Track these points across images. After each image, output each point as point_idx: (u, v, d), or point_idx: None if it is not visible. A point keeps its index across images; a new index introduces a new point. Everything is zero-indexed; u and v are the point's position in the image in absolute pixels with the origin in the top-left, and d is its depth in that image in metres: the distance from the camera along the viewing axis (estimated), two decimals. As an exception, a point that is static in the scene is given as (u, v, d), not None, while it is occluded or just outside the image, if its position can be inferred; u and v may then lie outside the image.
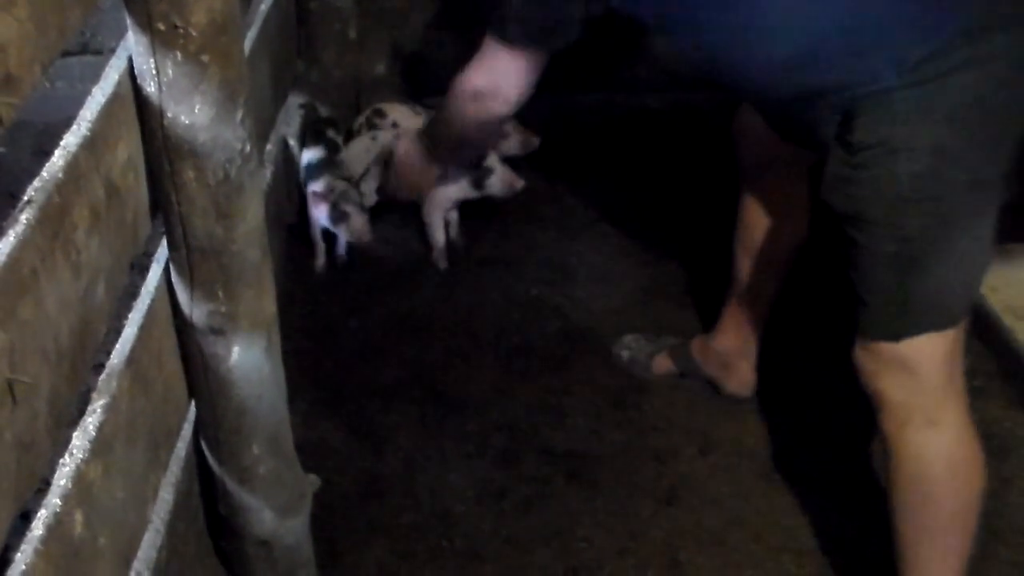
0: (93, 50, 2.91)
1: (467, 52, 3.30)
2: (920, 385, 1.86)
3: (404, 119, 3.11)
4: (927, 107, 1.68)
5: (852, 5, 1.69)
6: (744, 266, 2.46)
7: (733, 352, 2.57)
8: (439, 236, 3.03)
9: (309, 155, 2.91)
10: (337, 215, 2.79)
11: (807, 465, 2.45)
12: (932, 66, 1.66)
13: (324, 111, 3.13)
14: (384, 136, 2.98)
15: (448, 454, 2.50)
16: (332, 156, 2.91)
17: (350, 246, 2.97)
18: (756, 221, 2.40)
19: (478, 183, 2.94)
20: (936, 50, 1.65)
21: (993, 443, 2.39)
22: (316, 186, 2.84)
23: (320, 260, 3.00)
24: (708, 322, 2.67)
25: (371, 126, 3.11)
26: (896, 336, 1.83)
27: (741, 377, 2.59)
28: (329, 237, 2.97)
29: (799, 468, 2.45)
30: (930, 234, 1.76)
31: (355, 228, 2.79)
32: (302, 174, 2.94)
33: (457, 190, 2.97)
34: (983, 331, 2.68)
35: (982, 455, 1.92)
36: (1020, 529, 2.30)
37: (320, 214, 2.83)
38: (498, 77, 2.19)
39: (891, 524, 1.96)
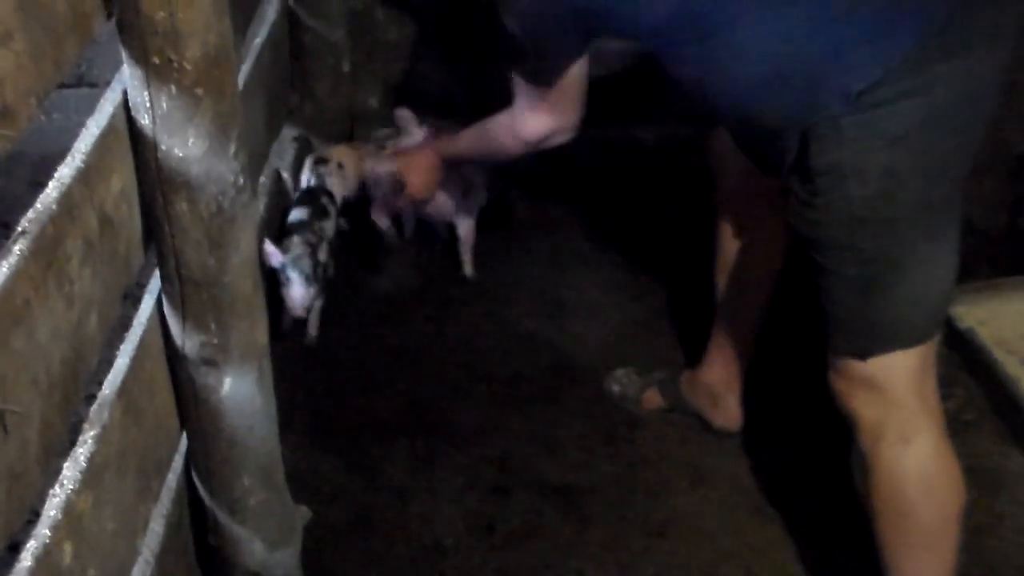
0: (89, 82, 2.91)
1: (457, 84, 3.37)
2: (891, 403, 1.89)
3: (347, 159, 3.08)
4: (873, 132, 1.73)
5: (807, 32, 1.72)
6: (723, 294, 2.50)
7: (720, 385, 2.58)
8: (471, 240, 3.11)
9: (294, 214, 2.85)
10: (282, 278, 2.64)
11: (799, 499, 2.45)
12: (877, 94, 1.70)
13: (317, 144, 3.13)
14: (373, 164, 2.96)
15: (439, 486, 2.49)
16: (313, 221, 2.82)
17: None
18: (731, 248, 2.44)
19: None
20: (879, 80, 1.69)
21: (984, 478, 2.39)
22: (277, 243, 2.69)
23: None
24: (700, 354, 2.68)
25: (318, 176, 3.03)
26: (863, 354, 1.87)
27: (728, 412, 2.60)
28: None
29: (791, 502, 2.44)
30: (888, 255, 1.81)
31: (292, 297, 2.64)
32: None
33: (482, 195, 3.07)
34: (973, 365, 2.69)
35: (959, 472, 1.94)
36: (1015, 565, 2.29)
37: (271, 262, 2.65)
38: (556, 115, 2.26)
39: (875, 542, 1.99)
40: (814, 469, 2.51)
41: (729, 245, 2.44)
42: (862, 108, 1.71)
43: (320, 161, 3.05)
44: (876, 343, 1.86)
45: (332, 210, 2.92)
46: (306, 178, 3.03)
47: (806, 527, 2.38)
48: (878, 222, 1.78)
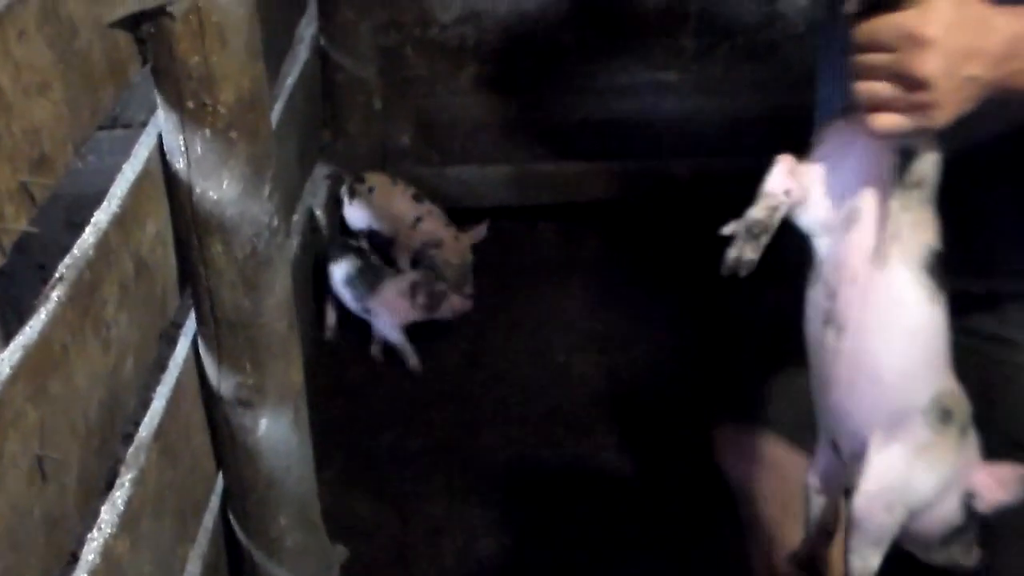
0: (123, 124, 2.95)
1: (492, 117, 3.38)
2: None
3: (380, 187, 3.14)
4: None
5: None
6: None
7: None
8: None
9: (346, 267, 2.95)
10: (433, 301, 2.88)
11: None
12: None
13: (356, 175, 3.16)
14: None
15: (475, 522, 2.49)
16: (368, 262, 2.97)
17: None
18: None
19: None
20: None
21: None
22: (392, 288, 2.91)
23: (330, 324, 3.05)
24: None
25: (352, 192, 3.14)
26: None
27: None
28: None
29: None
30: None
31: (455, 304, 2.93)
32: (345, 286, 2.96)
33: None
34: None
35: None
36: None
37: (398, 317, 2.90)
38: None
39: None
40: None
41: None
42: None
43: (358, 179, 3.15)
44: None
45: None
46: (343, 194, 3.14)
47: None
48: None
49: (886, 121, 1.19)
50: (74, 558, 1.29)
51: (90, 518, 1.32)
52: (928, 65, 1.13)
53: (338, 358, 2.96)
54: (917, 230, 1.25)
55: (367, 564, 2.36)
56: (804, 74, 3.30)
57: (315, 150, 3.17)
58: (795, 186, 1.30)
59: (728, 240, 1.30)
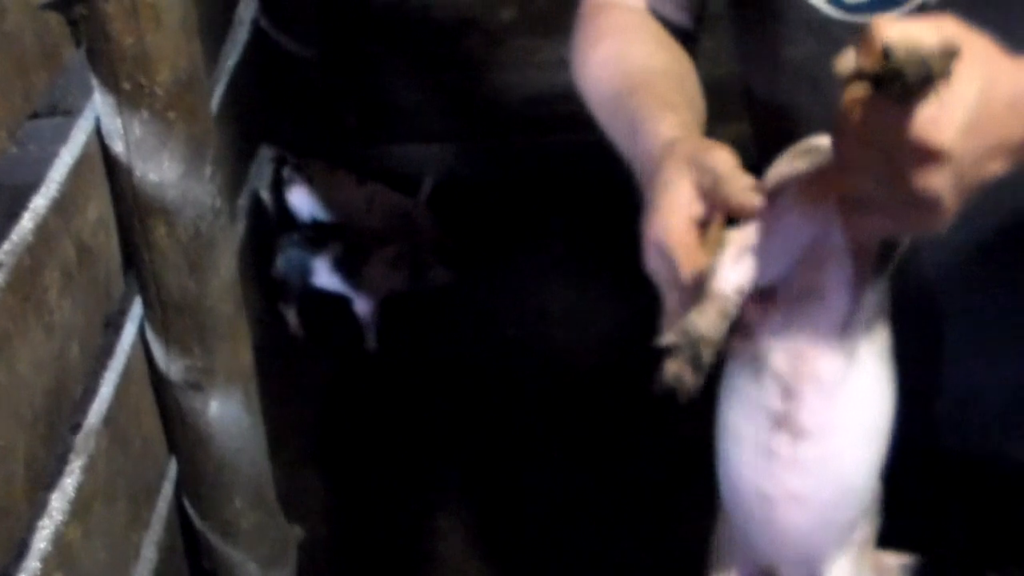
0: (63, 111, 2.91)
1: (436, 95, 3.37)
2: None
3: (320, 176, 3.12)
4: None
5: None
6: None
7: None
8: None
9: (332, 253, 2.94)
10: (418, 271, 2.89)
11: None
12: None
13: (294, 162, 3.14)
14: None
15: (432, 500, 2.49)
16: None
17: None
18: None
19: None
20: None
21: None
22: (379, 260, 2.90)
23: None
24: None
25: (290, 179, 3.09)
26: None
27: None
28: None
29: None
30: None
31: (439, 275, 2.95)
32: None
33: None
34: None
35: None
36: None
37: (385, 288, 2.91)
38: None
39: None
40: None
41: None
42: None
43: (296, 167, 3.10)
44: None
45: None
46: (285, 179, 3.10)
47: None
48: None
49: (869, 226, 0.93)
50: (25, 547, 1.28)
51: (40, 507, 1.31)
52: (934, 182, 0.85)
53: (289, 340, 2.95)
54: (884, 314, 1.01)
55: (324, 544, 2.36)
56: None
57: (259, 133, 3.15)
58: (748, 276, 0.96)
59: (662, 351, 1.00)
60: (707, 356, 0.96)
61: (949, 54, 0.78)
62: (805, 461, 1.01)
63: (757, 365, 1.01)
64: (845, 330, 0.98)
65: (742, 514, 1.08)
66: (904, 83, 0.78)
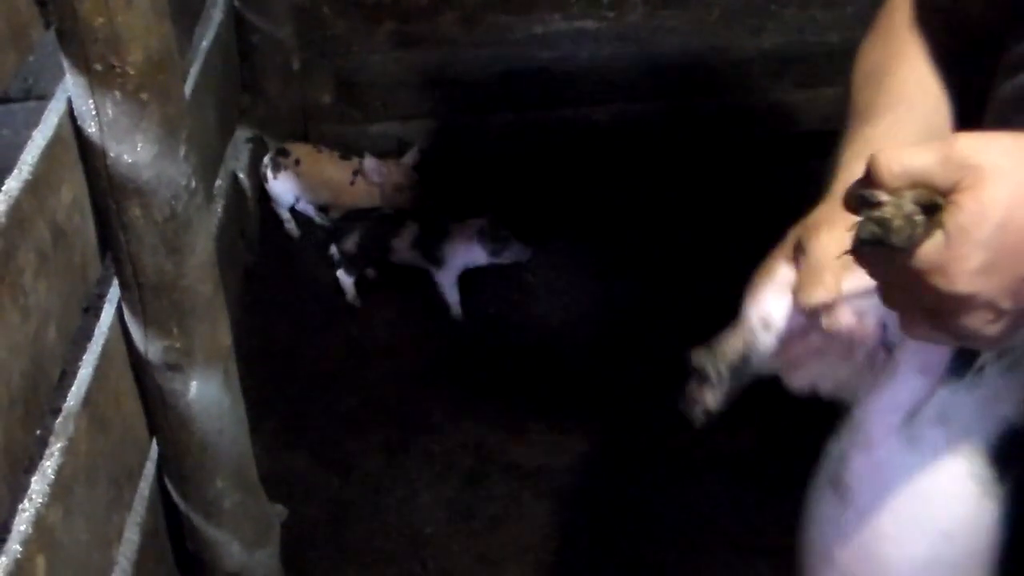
0: (37, 95, 2.89)
1: (412, 73, 3.37)
2: None
3: (306, 158, 3.14)
4: None
5: None
6: None
7: None
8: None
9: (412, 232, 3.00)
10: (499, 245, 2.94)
11: (779, 470, 2.46)
12: None
13: (272, 145, 3.15)
14: None
15: (414, 476, 2.50)
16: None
17: None
18: None
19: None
20: None
21: None
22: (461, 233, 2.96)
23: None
24: (669, 332, 2.67)
25: (276, 166, 3.12)
26: None
27: None
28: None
29: (769, 472, 2.45)
30: None
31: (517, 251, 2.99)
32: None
33: None
34: None
35: None
36: None
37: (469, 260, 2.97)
38: None
39: None
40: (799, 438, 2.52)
41: None
42: None
43: (280, 152, 3.13)
44: None
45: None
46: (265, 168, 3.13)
47: (787, 495, 2.39)
48: None
49: (921, 334, 0.86)
50: (6, 530, 1.28)
51: (20, 490, 1.31)
52: (968, 322, 0.80)
53: (268, 319, 2.95)
54: (987, 407, 0.93)
55: (307, 523, 2.37)
56: (720, 18, 3.35)
57: (235, 113, 3.14)
58: (779, 312, 0.96)
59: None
60: (721, 371, 0.98)
61: (933, 207, 0.76)
62: (847, 526, 0.99)
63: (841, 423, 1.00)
64: (910, 416, 0.95)
65: (809, 561, 1.07)
66: (890, 246, 0.77)
